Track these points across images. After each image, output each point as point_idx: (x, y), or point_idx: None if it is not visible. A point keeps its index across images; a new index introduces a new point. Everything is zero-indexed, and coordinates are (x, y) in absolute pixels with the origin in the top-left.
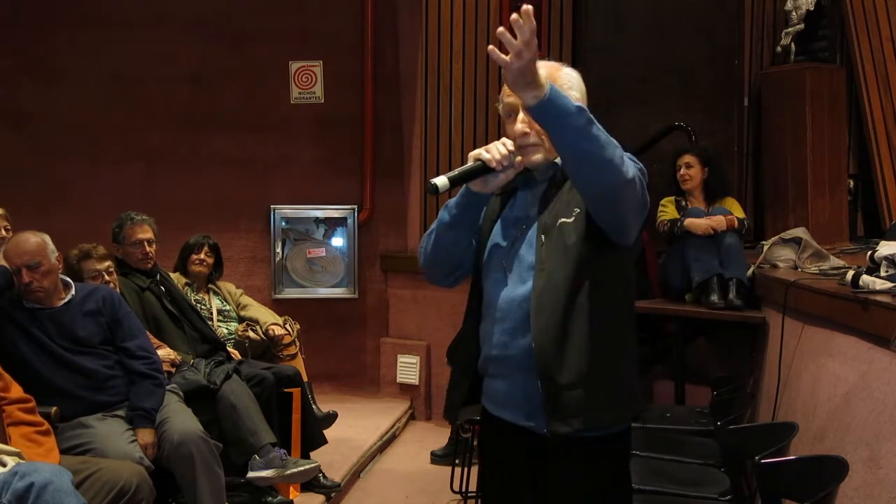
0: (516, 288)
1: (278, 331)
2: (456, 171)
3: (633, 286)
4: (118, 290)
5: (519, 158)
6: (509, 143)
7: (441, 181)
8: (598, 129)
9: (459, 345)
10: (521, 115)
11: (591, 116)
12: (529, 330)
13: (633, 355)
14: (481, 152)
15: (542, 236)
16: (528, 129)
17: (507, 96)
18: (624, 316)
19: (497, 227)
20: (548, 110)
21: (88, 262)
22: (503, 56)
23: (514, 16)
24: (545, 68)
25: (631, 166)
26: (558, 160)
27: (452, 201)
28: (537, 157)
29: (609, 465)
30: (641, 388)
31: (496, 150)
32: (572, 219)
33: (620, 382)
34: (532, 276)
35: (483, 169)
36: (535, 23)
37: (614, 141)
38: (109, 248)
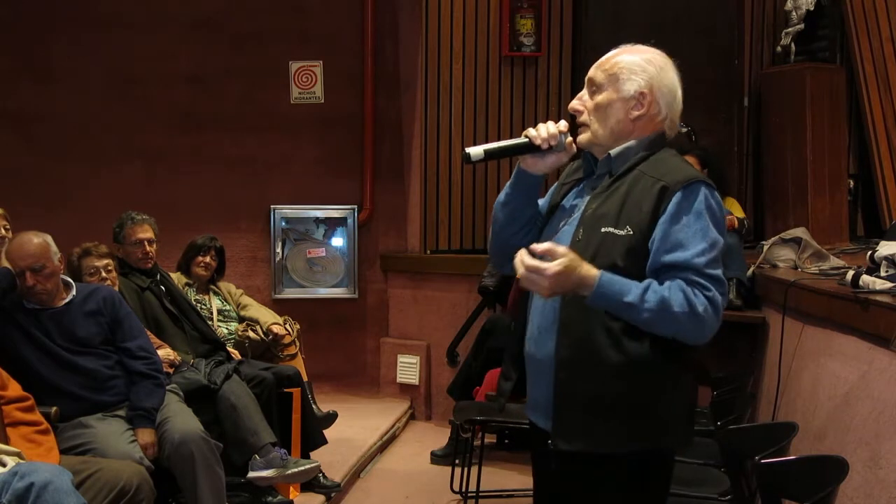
0: None
1: (279, 329)
2: (497, 144)
3: None
4: (118, 289)
5: (569, 140)
6: (562, 125)
7: (475, 150)
8: (658, 312)
9: (516, 331)
10: (582, 92)
11: (648, 302)
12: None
13: (669, 382)
14: (530, 129)
15: (580, 231)
16: (581, 108)
17: (588, 73)
18: (660, 338)
19: (555, 215)
20: (601, 305)
21: (88, 259)
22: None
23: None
24: (618, 55)
25: (707, 323)
26: (612, 152)
27: (510, 180)
28: (583, 136)
29: (611, 484)
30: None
31: (543, 129)
32: (622, 233)
33: (641, 408)
34: None
35: (527, 146)
36: (529, 264)
37: (692, 304)
38: (110, 247)
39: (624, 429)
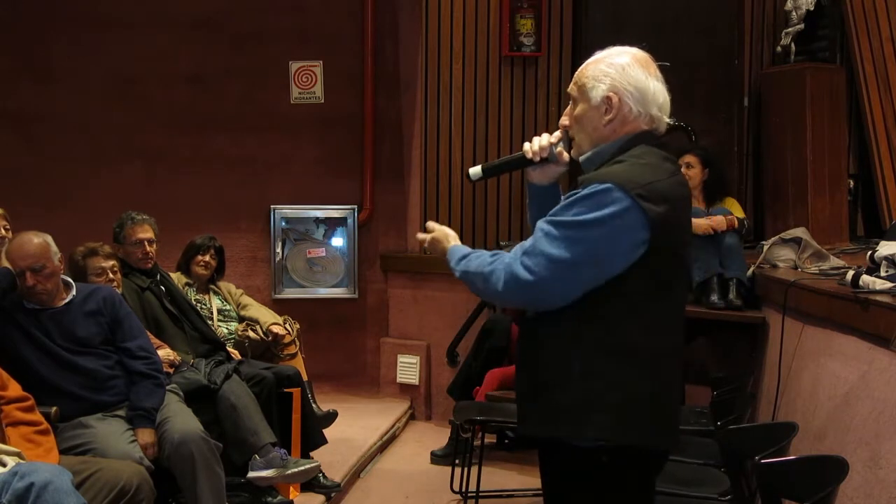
0: None
1: (279, 329)
2: (494, 162)
3: (632, 296)
4: (121, 290)
5: (559, 150)
6: (554, 136)
7: (474, 170)
8: (463, 276)
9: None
10: (568, 107)
11: (459, 267)
12: None
13: (616, 371)
14: (525, 143)
15: None
16: (567, 123)
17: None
18: (609, 327)
19: None
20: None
21: (94, 260)
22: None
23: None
24: (580, 71)
25: (491, 283)
26: (581, 158)
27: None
28: (574, 150)
29: (563, 474)
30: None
31: (535, 142)
32: None
33: (572, 397)
34: None
35: (521, 160)
36: (427, 238)
37: (483, 265)
38: (111, 247)
39: (559, 420)
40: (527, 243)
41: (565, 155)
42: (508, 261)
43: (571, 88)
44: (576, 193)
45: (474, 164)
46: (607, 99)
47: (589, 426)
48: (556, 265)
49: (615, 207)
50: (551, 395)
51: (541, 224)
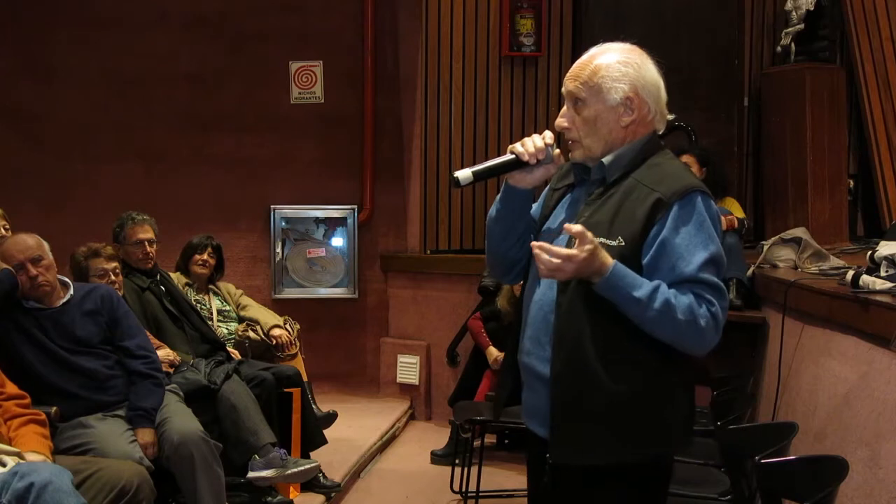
0: (544, 293)
1: (282, 338)
2: (485, 164)
3: None
4: (122, 292)
5: (557, 152)
6: (548, 136)
7: (463, 174)
8: (663, 314)
9: (510, 340)
10: (564, 109)
11: (656, 302)
12: (549, 343)
13: (667, 392)
14: (516, 145)
15: (575, 241)
16: (568, 125)
17: (564, 85)
18: (658, 345)
19: (546, 226)
20: (608, 294)
21: (96, 261)
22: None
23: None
24: (592, 61)
25: (706, 335)
26: (605, 160)
27: (499, 195)
28: (578, 154)
29: (611, 494)
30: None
31: (530, 143)
32: (614, 243)
33: (638, 417)
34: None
35: (515, 163)
36: (560, 253)
37: (695, 315)
38: (112, 248)
39: (624, 441)
40: (696, 289)
41: (562, 158)
42: (714, 310)
43: (577, 89)
44: (682, 215)
45: (474, 165)
46: (628, 100)
47: (660, 443)
48: (724, 296)
49: (717, 217)
50: (621, 419)
51: (688, 271)
